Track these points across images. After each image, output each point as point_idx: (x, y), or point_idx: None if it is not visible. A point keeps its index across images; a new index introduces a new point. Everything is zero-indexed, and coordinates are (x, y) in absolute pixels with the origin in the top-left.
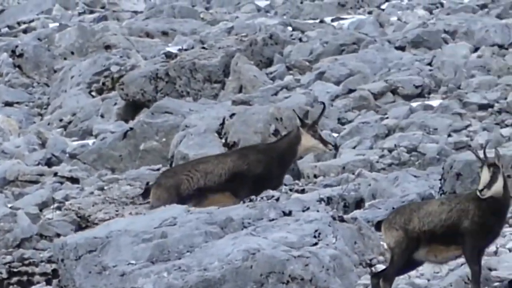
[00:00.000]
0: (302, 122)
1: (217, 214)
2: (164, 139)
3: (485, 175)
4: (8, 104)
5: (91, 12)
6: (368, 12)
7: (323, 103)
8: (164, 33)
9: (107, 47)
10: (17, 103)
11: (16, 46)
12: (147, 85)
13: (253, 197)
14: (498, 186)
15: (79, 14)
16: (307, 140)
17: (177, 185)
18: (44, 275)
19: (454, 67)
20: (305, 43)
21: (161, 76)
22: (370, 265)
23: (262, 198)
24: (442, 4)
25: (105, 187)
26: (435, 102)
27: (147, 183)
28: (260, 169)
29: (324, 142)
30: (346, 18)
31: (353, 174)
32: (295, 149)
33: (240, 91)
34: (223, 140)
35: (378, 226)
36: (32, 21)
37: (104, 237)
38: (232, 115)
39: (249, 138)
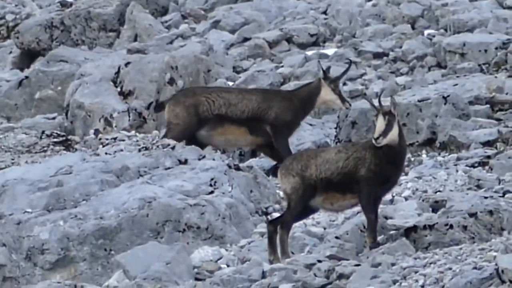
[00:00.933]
0: (324, 74)
1: (113, 163)
2: (59, 88)
3: (380, 123)
4: None
5: None
6: None
7: (350, 60)
8: None
9: None
10: None
11: None
12: (42, 34)
13: (148, 145)
14: (393, 134)
15: None
16: (326, 93)
17: (196, 105)
18: None
19: (349, 16)
20: None
21: (56, 24)
22: (266, 213)
23: (158, 146)
24: None
25: (1, 136)
26: (330, 50)
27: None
28: (288, 117)
29: (343, 99)
30: None
31: None
32: (314, 100)
33: (135, 39)
34: (119, 89)
35: (274, 172)
36: None
37: (0, 185)
38: (127, 63)
39: (145, 87)
